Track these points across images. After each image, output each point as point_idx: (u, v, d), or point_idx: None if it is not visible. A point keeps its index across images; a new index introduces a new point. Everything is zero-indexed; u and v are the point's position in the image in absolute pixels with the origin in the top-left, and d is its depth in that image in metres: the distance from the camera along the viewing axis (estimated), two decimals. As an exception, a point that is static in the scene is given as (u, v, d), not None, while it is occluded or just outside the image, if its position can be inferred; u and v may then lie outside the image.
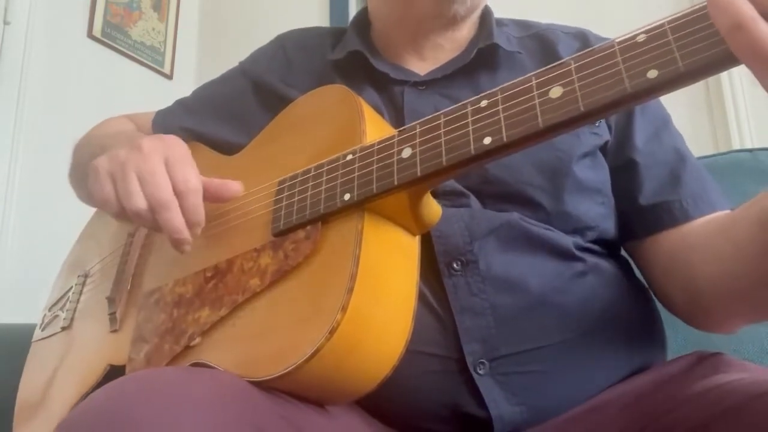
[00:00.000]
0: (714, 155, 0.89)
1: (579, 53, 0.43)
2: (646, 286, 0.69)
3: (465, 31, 0.77)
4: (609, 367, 0.61)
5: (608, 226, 0.67)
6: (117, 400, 0.40)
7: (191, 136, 0.79)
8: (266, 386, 0.47)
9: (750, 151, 0.95)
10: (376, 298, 0.49)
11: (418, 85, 0.72)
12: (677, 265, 0.63)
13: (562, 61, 0.44)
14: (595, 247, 0.65)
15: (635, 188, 0.68)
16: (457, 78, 0.72)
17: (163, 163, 0.58)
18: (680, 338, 0.68)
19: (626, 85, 0.40)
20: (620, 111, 0.43)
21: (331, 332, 0.46)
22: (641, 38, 0.40)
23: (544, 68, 0.45)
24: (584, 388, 0.59)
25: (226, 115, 0.80)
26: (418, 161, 0.48)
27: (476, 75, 0.72)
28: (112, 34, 2.13)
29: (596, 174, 0.67)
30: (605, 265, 0.65)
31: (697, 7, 0.39)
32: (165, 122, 0.84)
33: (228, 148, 0.74)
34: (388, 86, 0.72)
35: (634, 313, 0.65)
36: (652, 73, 0.39)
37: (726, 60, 0.37)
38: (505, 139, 0.44)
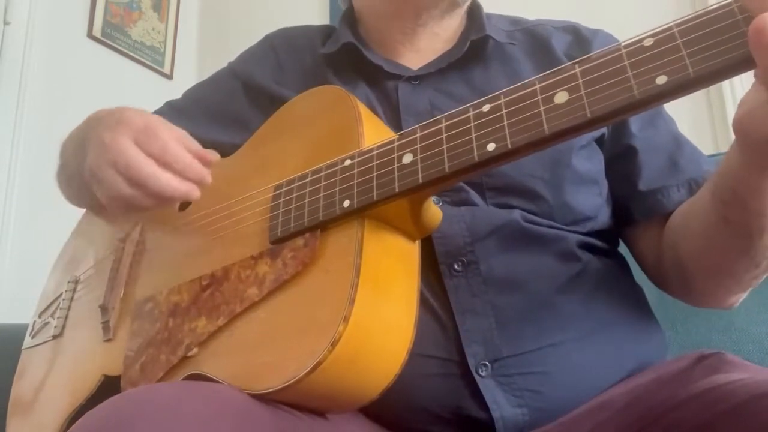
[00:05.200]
0: (714, 155, 0.89)
1: (582, 57, 0.42)
2: (643, 274, 0.71)
3: (457, 22, 0.77)
4: (610, 367, 0.61)
5: (605, 216, 0.68)
6: (114, 420, 0.39)
7: None
8: (266, 398, 0.46)
9: (750, 150, 0.95)
10: (378, 307, 0.49)
11: (412, 80, 0.71)
12: (668, 245, 0.66)
13: (564, 65, 0.43)
14: (596, 242, 0.65)
15: (635, 174, 0.69)
16: (450, 72, 0.71)
17: (132, 141, 0.58)
18: (680, 338, 0.68)
19: (635, 91, 0.39)
20: (627, 117, 0.42)
21: (333, 344, 0.45)
22: (648, 42, 0.40)
23: (546, 72, 0.44)
24: (586, 389, 0.59)
25: (218, 116, 0.78)
26: (419, 168, 0.47)
27: (469, 68, 0.71)
28: (112, 34, 2.12)
29: (593, 164, 0.68)
30: (605, 264, 0.65)
31: (704, 10, 0.38)
32: None
33: (221, 151, 0.72)
34: (382, 81, 0.71)
35: (633, 312, 0.65)
36: (661, 79, 0.38)
37: (735, 67, 0.36)
38: (509, 146, 0.43)
